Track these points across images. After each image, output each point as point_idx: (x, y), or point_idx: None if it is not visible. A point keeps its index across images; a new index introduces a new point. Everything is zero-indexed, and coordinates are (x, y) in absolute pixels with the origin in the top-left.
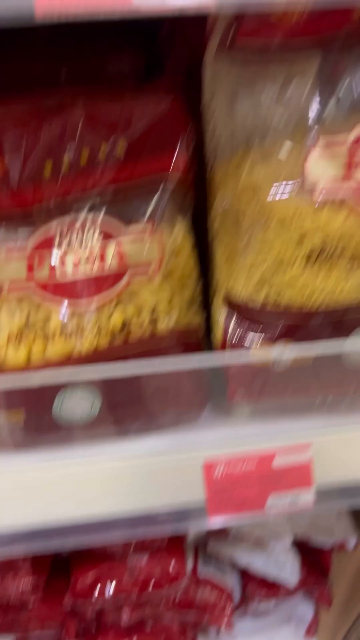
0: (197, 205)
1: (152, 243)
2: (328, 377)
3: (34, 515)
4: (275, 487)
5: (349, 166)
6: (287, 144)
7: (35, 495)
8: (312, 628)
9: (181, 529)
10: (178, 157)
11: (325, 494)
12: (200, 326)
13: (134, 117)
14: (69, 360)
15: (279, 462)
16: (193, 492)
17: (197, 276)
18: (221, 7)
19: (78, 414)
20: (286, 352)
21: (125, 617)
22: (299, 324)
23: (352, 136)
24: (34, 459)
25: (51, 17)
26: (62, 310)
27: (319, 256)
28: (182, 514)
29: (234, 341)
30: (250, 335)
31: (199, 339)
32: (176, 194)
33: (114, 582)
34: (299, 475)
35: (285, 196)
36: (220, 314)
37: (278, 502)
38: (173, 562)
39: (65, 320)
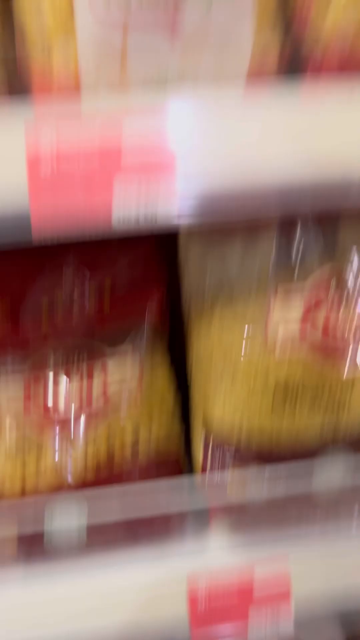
0: (179, 319)
1: (133, 370)
2: (300, 501)
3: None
4: (256, 602)
5: (305, 319)
6: (250, 301)
7: (23, 621)
8: None
9: None
10: (155, 298)
11: (305, 606)
12: (179, 442)
13: (117, 267)
14: (61, 485)
15: (258, 583)
16: (178, 620)
17: (175, 394)
18: (182, 226)
19: (66, 535)
20: (261, 491)
21: None
22: (269, 456)
23: (305, 292)
24: (22, 585)
25: (46, 238)
26: (54, 436)
27: (284, 399)
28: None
29: (212, 465)
30: (227, 460)
31: (179, 456)
32: (154, 325)
33: None
34: (278, 590)
35: (250, 346)
36: (199, 437)
37: (259, 619)
38: None
39: (57, 439)
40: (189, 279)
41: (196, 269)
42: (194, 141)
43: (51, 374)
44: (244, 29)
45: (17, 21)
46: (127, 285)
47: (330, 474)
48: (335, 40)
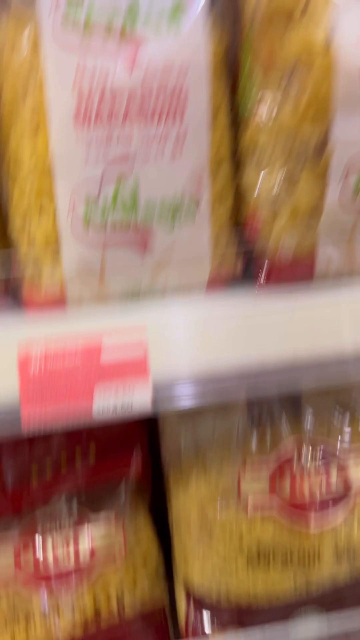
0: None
1: (117, 527)
2: None
3: None
4: None
5: (273, 483)
6: (223, 467)
7: None
8: None
9: None
10: (136, 460)
11: None
12: (164, 596)
13: (101, 433)
14: None
15: None
16: None
17: (158, 552)
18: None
19: None
20: None
21: None
22: (247, 615)
23: (273, 458)
24: None
25: (34, 431)
26: (43, 594)
27: (257, 560)
28: None
29: (194, 622)
30: (207, 617)
31: (164, 608)
32: (136, 486)
33: None
34: None
35: (224, 512)
36: (181, 596)
37: None
38: None
39: (46, 601)
40: (166, 443)
41: (172, 434)
42: (164, 341)
43: (39, 539)
44: (203, 245)
45: (13, 243)
46: (111, 449)
47: (307, 626)
48: (279, 252)
